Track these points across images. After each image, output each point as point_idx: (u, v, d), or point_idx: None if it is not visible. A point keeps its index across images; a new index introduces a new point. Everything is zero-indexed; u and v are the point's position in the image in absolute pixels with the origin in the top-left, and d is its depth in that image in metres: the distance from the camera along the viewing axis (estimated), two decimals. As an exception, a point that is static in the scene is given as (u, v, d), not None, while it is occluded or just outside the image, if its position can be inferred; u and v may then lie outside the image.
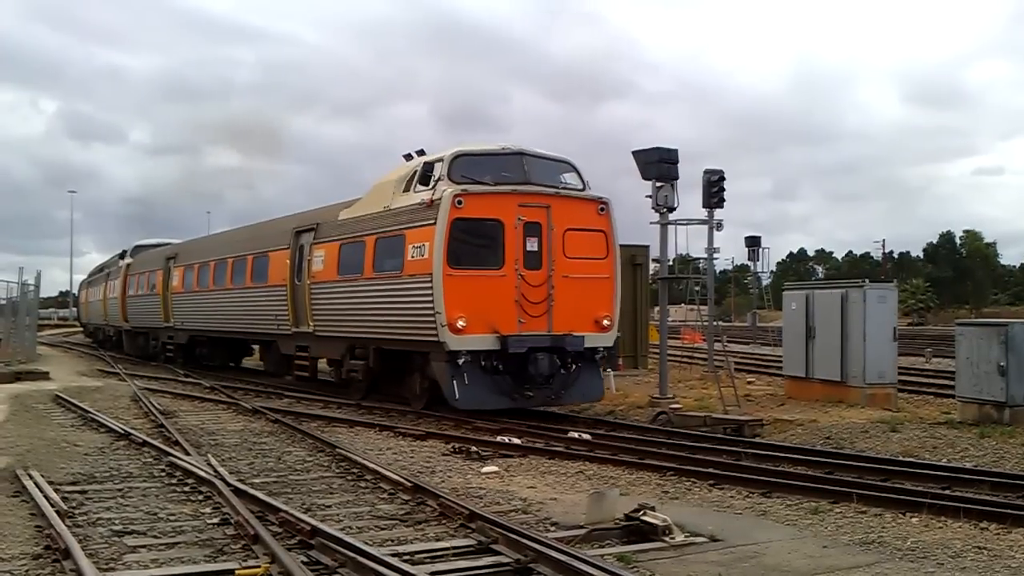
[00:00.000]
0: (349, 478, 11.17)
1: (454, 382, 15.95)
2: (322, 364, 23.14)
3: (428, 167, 17.18)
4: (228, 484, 9.85)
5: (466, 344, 15.89)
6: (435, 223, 16.00)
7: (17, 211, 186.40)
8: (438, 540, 8.08)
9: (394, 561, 6.87)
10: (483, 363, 16.08)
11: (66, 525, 8.15)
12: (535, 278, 16.53)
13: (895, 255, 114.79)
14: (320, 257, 20.48)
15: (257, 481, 10.74)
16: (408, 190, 17.66)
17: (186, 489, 10.31)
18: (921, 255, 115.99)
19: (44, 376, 25.30)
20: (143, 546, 7.88)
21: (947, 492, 10.01)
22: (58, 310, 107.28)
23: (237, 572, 6.90)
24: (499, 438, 14.35)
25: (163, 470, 11.47)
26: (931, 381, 23.01)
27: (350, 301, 19.20)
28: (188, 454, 12.14)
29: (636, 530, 8.20)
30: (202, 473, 10.61)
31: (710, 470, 11.49)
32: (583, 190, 17.51)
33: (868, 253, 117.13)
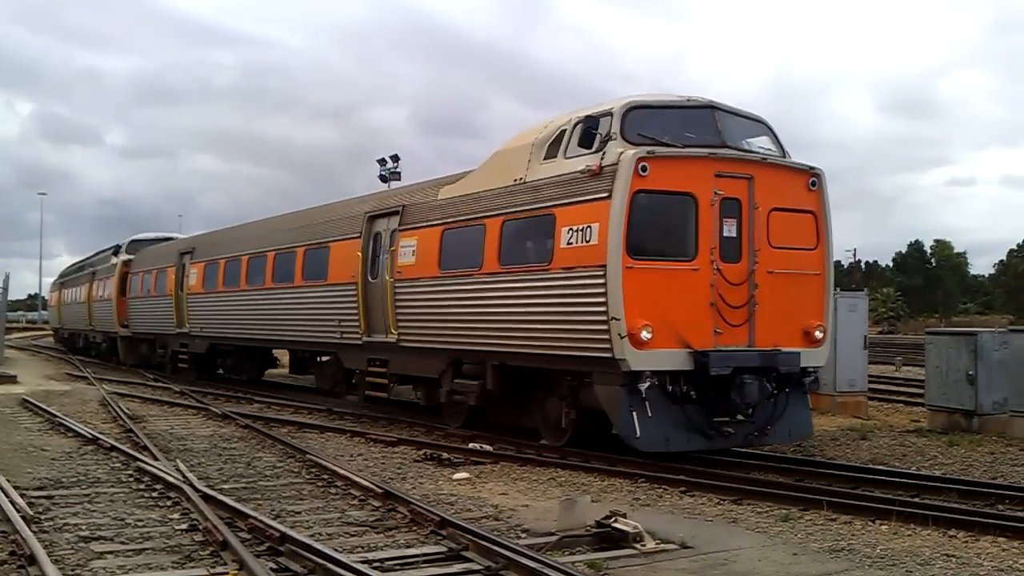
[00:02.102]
0: (319, 484, 11.09)
1: (633, 414, 12.05)
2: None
3: (590, 123, 13.04)
4: (197, 490, 9.77)
5: (651, 362, 12.12)
6: (608, 197, 12.18)
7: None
8: (408, 547, 8.04)
9: (364, 568, 6.83)
10: (670, 388, 12.31)
11: (32, 531, 8.04)
12: (734, 274, 12.70)
13: (864, 264, 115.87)
14: (409, 248, 16.55)
15: (226, 487, 10.65)
16: (554, 156, 13.71)
17: (154, 495, 10.21)
18: (891, 264, 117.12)
19: (11, 380, 25.06)
20: (110, 552, 7.79)
21: (916, 500, 10.07)
22: (26, 313, 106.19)
23: (205, 579, 6.83)
24: (470, 444, 14.30)
25: (131, 475, 11.36)
26: (901, 389, 23.20)
27: (458, 303, 15.14)
28: (157, 459, 12.03)
29: (607, 537, 8.20)
30: (170, 479, 10.52)
31: (681, 477, 11.50)
32: (783, 158, 13.77)
33: (839, 261, 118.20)
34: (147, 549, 7.89)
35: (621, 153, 12.32)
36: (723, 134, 13.20)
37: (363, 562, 7.15)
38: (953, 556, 7.94)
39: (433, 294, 15.82)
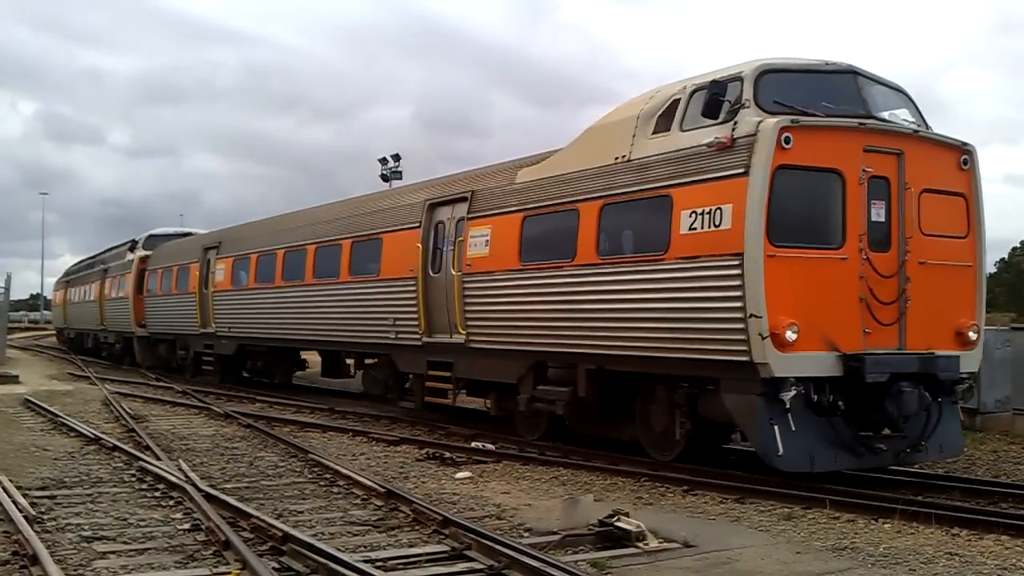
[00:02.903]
0: (322, 483, 11.09)
1: (775, 428, 10.44)
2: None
3: (716, 89, 11.23)
4: (199, 489, 9.77)
5: (797, 367, 10.51)
6: (745, 173, 10.60)
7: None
8: (411, 546, 8.03)
9: (366, 567, 6.82)
10: (815, 397, 10.66)
11: (34, 531, 8.05)
12: (884, 264, 11.15)
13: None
14: (481, 237, 14.86)
15: (228, 486, 10.65)
16: (667, 128, 12.00)
17: (157, 494, 10.21)
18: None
19: (13, 380, 25.06)
20: (113, 552, 7.78)
21: (919, 498, 10.06)
22: (28, 313, 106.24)
23: (207, 578, 6.83)
24: (473, 443, 14.31)
25: (133, 475, 11.35)
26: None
27: (545, 299, 13.41)
28: (159, 459, 12.03)
29: (610, 536, 8.18)
30: (173, 478, 10.51)
31: (684, 476, 11.49)
32: (931, 132, 12.15)
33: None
34: (150, 549, 7.88)
35: (759, 122, 10.71)
36: (867, 103, 11.65)
37: (366, 561, 7.13)
38: (956, 555, 7.92)
39: (512, 289, 14.14)
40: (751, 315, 10.40)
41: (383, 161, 46.21)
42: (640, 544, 8.02)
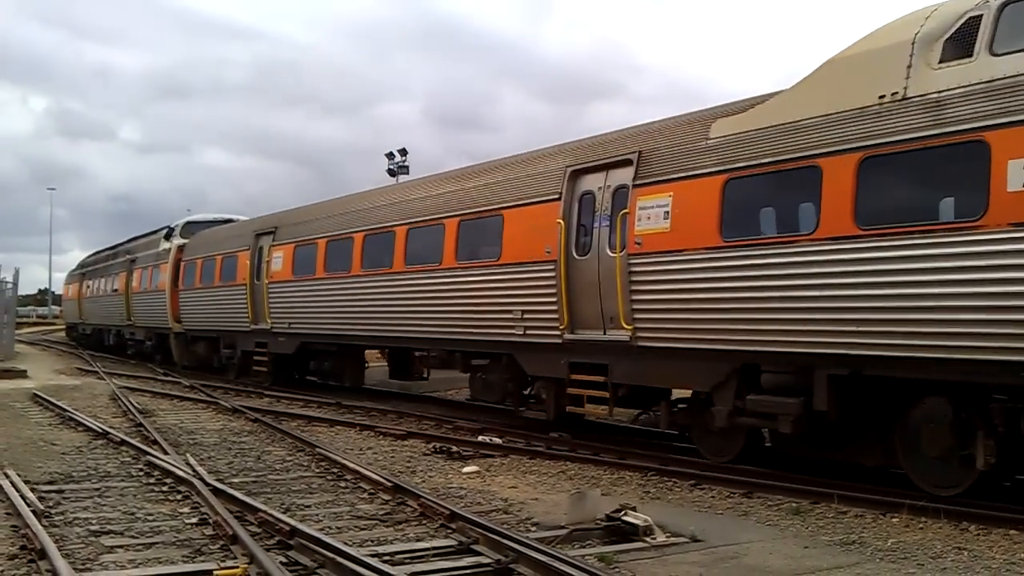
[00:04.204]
0: (329, 478, 11.10)
1: None
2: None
3: None
4: (207, 484, 9.78)
5: None
6: None
7: (2, 208, 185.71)
8: (418, 540, 8.04)
9: (374, 562, 6.82)
10: None
11: (42, 525, 8.06)
12: None
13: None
14: (658, 208, 12.00)
15: (236, 481, 10.66)
16: (966, 54, 9.31)
17: (164, 489, 10.22)
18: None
19: (22, 374, 25.14)
20: (120, 546, 7.80)
21: (927, 492, 10.01)
22: (36, 308, 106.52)
23: (215, 573, 6.83)
24: (480, 438, 14.30)
25: (141, 469, 11.37)
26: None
27: (761, 284, 10.67)
28: (167, 453, 12.05)
29: (617, 530, 8.18)
30: (180, 473, 10.53)
31: (691, 470, 11.47)
32: None
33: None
34: (157, 543, 7.89)
35: None
36: None
37: (373, 556, 7.14)
38: (965, 549, 7.90)
39: (709, 273, 11.28)
40: None
41: (390, 156, 46.22)
42: (647, 538, 8.02)
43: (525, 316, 14.11)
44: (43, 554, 7.15)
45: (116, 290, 35.83)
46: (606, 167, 13.14)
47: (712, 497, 10.32)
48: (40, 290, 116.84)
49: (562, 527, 8.30)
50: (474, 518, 8.25)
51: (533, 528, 8.52)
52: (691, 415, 12.28)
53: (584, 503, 8.57)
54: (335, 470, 11.44)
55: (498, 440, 14.10)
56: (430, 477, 11.34)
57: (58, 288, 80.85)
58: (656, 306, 12.02)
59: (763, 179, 10.97)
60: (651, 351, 12.12)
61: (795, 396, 10.38)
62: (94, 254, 46.58)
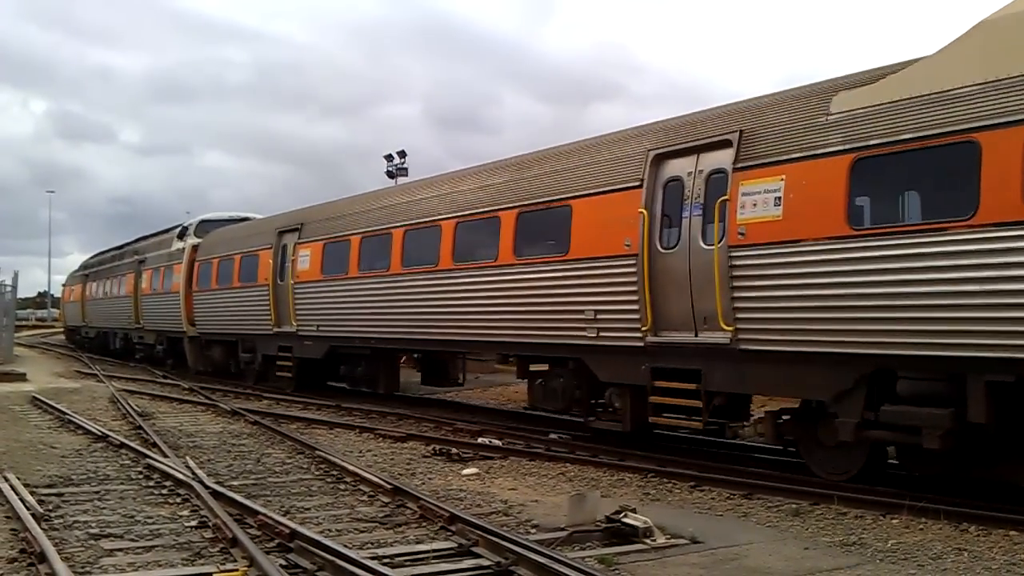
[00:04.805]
0: (328, 480, 11.09)
1: None
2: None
3: None
4: (206, 487, 9.78)
5: None
6: None
7: (2, 211, 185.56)
8: (418, 542, 8.03)
9: (373, 564, 6.81)
10: None
11: (42, 528, 8.06)
12: None
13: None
14: (767, 195, 10.71)
15: (235, 483, 10.65)
16: None
17: (164, 492, 10.21)
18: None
19: (21, 377, 25.13)
20: (120, 549, 7.79)
21: (927, 494, 10.01)
22: (35, 311, 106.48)
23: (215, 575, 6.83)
24: (479, 439, 14.30)
25: (141, 472, 11.36)
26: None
27: (901, 278, 9.40)
28: (166, 456, 12.04)
29: (617, 532, 8.18)
30: (180, 475, 10.52)
31: (691, 471, 11.46)
32: None
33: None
34: (157, 546, 7.89)
35: None
36: None
37: (373, 558, 7.13)
38: (965, 550, 7.90)
39: (834, 266, 9.98)
40: None
41: (389, 158, 46.21)
42: (647, 540, 8.02)
43: (599, 316, 12.90)
44: (43, 557, 7.14)
45: (124, 293, 34.72)
46: (697, 150, 11.89)
47: (712, 498, 10.31)
48: (39, 293, 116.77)
49: (562, 529, 8.30)
50: (474, 520, 8.24)
51: (533, 530, 8.52)
52: (800, 427, 11.05)
53: (584, 505, 8.57)
54: (335, 472, 11.43)
55: (497, 442, 14.11)
56: (430, 479, 11.33)
57: (57, 291, 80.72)
58: (764, 304, 10.75)
59: (902, 157, 9.62)
60: (756, 355, 10.86)
61: (943, 406, 9.16)
62: (97, 255, 45.58)
